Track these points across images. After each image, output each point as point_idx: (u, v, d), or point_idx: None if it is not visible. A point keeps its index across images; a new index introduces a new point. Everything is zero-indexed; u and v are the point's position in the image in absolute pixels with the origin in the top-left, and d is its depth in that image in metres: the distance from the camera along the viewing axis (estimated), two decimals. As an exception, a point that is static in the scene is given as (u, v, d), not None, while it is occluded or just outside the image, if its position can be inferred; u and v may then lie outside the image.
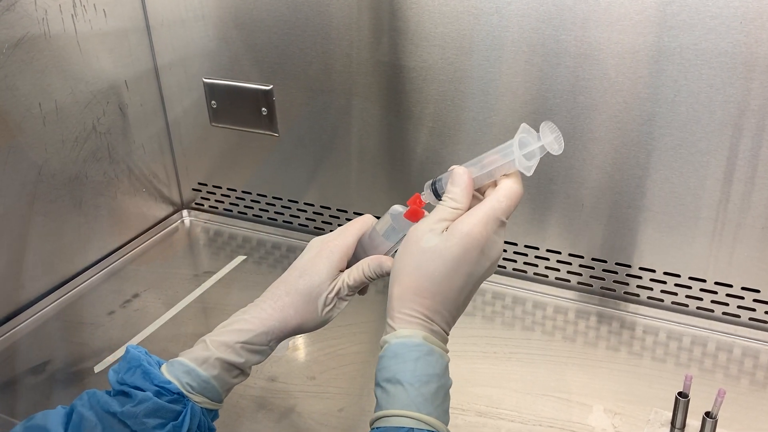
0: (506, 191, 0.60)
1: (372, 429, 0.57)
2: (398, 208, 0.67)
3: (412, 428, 0.54)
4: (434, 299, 0.58)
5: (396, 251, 0.67)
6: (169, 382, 0.61)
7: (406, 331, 0.58)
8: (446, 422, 0.57)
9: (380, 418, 0.56)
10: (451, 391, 0.59)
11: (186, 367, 0.63)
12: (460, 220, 0.59)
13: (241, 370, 0.66)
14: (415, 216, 0.65)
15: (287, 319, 0.66)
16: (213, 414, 0.66)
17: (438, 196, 0.64)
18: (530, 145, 0.59)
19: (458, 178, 0.61)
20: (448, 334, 0.61)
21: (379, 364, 0.59)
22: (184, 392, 0.62)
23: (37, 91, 1.02)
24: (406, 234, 0.61)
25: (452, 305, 0.59)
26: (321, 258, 0.68)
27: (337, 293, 0.67)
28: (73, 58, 1.07)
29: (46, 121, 1.04)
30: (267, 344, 0.66)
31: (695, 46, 0.85)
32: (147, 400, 0.59)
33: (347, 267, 0.69)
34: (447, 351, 0.60)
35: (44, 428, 0.58)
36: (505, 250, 1.09)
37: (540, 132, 0.59)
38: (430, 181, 0.65)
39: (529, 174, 0.60)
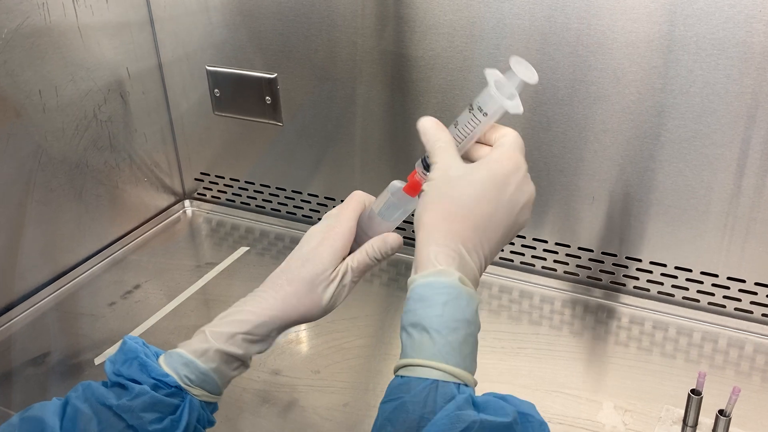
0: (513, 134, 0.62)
1: (396, 376, 0.54)
2: (397, 184, 0.66)
3: (437, 380, 0.51)
4: (464, 224, 0.56)
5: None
6: (167, 375, 0.60)
7: (436, 267, 0.55)
8: (473, 371, 0.54)
9: (405, 366, 0.54)
10: None
11: (184, 359, 0.61)
12: (488, 154, 0.60)
13: (242, 362, 0.64)
14: (414, 190, 0.64)
15: (289, 309, 0.65)
16: (212, 406, 0.64)
17: (428, 167, 0.62)
18: (506, 87, 0.60)
19: (420, 127, 0.63)
20: (479, 273, 0.58)
21: (405, 306, 0.56)
22: (182, 385, 0.60)
23: (37, 78, 1.00)
24: (431, 173, 0.60)
25: (483, 234, 0.57)
26: (324, 246, 0.66)
27: (342, 279, 0.66)
28: (74, 44, 1.05)
29: (46, 108, 1.02)
30: (268, 335, 0.65)
31: (712, 35, 0.83)
32: (144, 393, 0.58)
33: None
34: (477, 286, 0.57)
35: (41, 419, 0.57)
36: (512, 243, 1.08)
37: (512, 67, 0.59)
38: (419, 159, 0.64)
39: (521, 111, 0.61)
